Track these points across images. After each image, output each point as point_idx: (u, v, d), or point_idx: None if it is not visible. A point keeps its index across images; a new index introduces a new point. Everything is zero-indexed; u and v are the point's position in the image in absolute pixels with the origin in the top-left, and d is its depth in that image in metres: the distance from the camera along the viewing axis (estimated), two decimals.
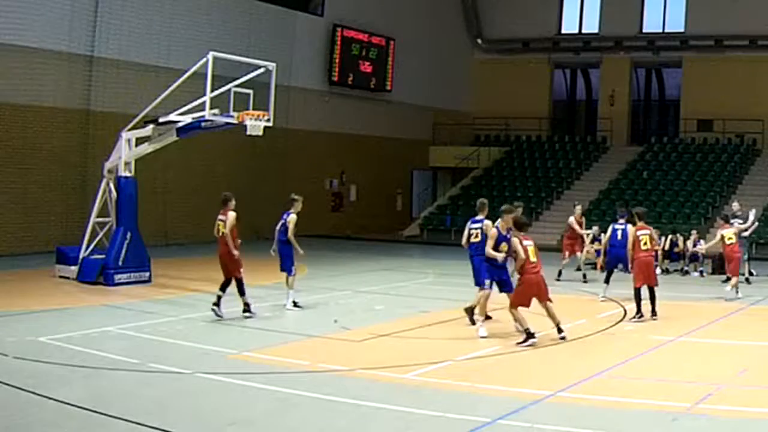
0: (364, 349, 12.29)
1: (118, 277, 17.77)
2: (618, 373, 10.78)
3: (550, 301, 12.75)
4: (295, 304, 15.36)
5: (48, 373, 10.16)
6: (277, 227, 15.39)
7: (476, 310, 13.51)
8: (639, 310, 14.71)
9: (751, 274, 20.89)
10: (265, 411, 9.05)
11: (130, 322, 13.40)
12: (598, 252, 23.41)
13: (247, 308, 14.27)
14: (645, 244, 15.07)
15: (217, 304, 14.05)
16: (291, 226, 15.10)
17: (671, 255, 23.00)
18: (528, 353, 12.02)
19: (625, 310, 15.69)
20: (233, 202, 14.38)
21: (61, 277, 18.53)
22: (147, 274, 18.50)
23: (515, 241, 12.52)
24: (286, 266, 15.33)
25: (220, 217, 14.38)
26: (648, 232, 15.32)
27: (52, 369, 10.38)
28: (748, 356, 11.97)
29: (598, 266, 23.16)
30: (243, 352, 11.70)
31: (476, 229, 13.69)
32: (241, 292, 14.25)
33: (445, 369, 10.91)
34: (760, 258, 24.75)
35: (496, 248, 12.87)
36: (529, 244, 12.52)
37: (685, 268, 22.79)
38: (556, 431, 8.30)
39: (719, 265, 22.14)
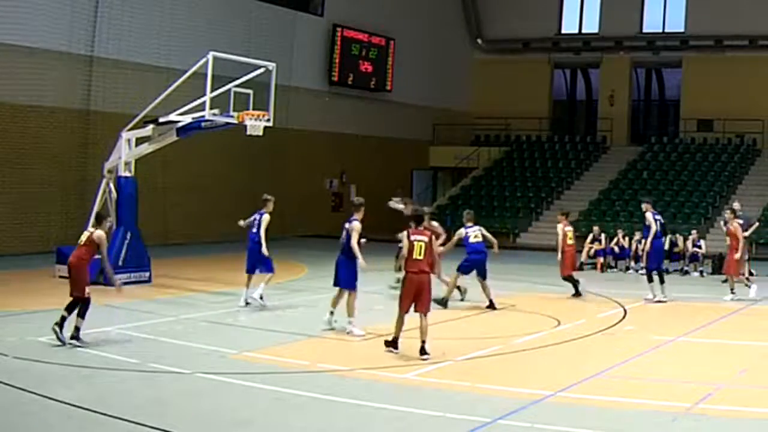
0: (364, 349, 12.29)
1: (118, 277, 17.70)
2: (618, 373, 10.78)
3: (425, 313, 11.56)
4: (261, 298, 15.40)
5: (48, 373, 10.16)
6: (251, 227, 15.52)
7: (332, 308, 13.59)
8: (577, 290, 17.60)
9: (751, 273, 20.88)
10: (265, 411, 9.05)
11: (130, 322, 13.39)
12: (598, 252, 23.45)
13: (76, 334, 11.77)
14: (570, 238, 17.88)
15: (74, 330, 11.93)
16: (264, 225, 15.31)
17: (671, 255, 22.99)
18: (528, 353, 12.03)
19: (625, 311, 15.71)
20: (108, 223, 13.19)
21: (61, 277, 18.45)
22: (147, 274, 18.49)
23: (404, 233, 11.78)
24: (268, 266, 15.49)
25: (90, 228, 12.95)
26: (571, 228, 18.28)
27: (52, 369, 10.37)
28: (748, 356, 11.97)
29: (599, 266, 23.21)
30: (243, 352, 11.69)
31: (474, 231, 16.52)
32: (82, 313, 11.92)
33: (445, 369, 10.91)
34: (761, 258, 24.75)
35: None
36: (419, 239, 11.62)
37: (685, 268, 22.80)
38: (556, 431, 8.30)
39: (719, 265, 22.17)
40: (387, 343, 11.79)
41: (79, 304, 11.92)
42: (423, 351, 11.38)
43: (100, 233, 12.47)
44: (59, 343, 11.59)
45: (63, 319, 11.90)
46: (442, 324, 14.08)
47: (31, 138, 23.30)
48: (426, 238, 11.70)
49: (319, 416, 8.86)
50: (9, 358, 10.82)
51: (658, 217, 17.64)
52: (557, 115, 40.50)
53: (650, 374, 10.76)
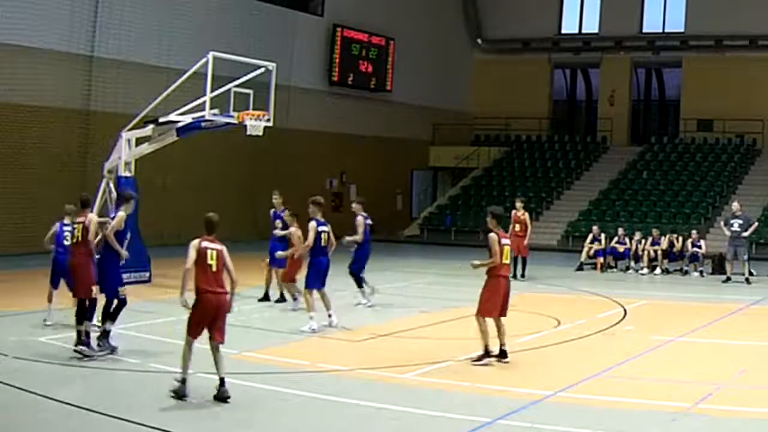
0: (364, 349, 12.29)
1: None
2: (618, 373, 10.78)
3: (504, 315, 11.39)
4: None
5: (48, 373, 10.16)
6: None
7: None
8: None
9: (751, 274, 20.88)
10: (265, 411, 9.05)
11: (130, 322, 13.37)
12: (599, 252, 23.44)
13: (86, 339, 11.01)
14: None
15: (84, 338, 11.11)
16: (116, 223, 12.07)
17: (671, 255, 23.01)
18: (528, 353, 12.02)
19: (625, 311, 15.71)
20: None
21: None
22: (147, 274, 18.48)
23: (493, 238, 11.21)
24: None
25: (78, 219, 12.00)
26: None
27: (52, 369, 10.37)
28: (748, 356, 11.97)
29: (599, 266, 23.20)
30: (243, 352, 11.68)
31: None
32: (90, 316, 11.37)
33: (445, 369, 10.90)
34: (760, 258, 24.74)
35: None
36: (507, 242, 11.40)
37: (685, 268, 22.80)
38: (556, 431, 8.30)
39: (719, 265, 22.17)
40: (480, 358, 11.05)
41: (87, 304, 11.40)
42: (504, 354, 11.16)
43: (93, 217, 12.03)
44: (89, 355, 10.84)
45: (80, 334, 11.01)
46: (442, 324, 14.09)
47: (31, 138, 23.27)
48: (509, 241, 11.45)
49: (319, 416, 8.86)
50: (9, 358, 10.81)
51: (368, 221, 16.18)
52: (557, 115, 40.50)
53: (650, 374, 10.76)
